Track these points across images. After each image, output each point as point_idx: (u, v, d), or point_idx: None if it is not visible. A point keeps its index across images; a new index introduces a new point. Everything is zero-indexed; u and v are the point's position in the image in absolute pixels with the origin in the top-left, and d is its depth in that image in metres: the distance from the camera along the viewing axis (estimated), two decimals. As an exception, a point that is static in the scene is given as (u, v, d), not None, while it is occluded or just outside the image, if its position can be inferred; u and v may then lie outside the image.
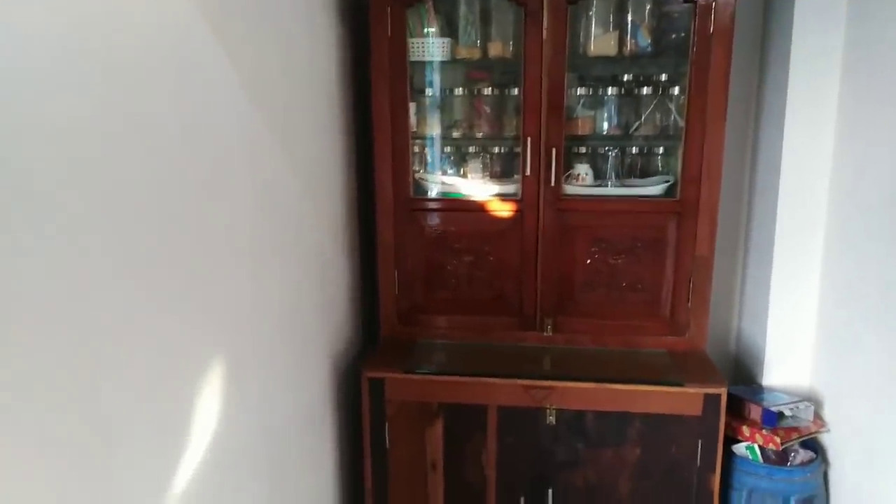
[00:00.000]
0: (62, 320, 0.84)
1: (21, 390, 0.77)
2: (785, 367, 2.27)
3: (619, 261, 2.15)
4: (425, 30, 2.13)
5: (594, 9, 2.12)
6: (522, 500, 2.01)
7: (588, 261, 2.15)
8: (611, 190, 2.19)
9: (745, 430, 2.08)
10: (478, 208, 2.16)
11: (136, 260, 1.01)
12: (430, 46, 2.13)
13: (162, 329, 1.08)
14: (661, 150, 2.27)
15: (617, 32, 2.12)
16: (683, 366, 2.03)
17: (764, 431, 2.04)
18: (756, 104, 2.39)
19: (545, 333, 2.16)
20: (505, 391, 1.96)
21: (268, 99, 1.50)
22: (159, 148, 1.07)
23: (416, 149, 2.21)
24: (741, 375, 2.45)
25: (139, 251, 1.01)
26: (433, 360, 2.08)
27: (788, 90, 2.12)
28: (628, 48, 2.13)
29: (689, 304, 2.13)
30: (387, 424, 2.00)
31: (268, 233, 1.52)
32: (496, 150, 2.27)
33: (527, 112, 2.06)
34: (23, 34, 0.77)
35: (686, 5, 2.02)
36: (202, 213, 1.21)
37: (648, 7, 2.11)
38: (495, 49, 2.13)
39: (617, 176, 2.26)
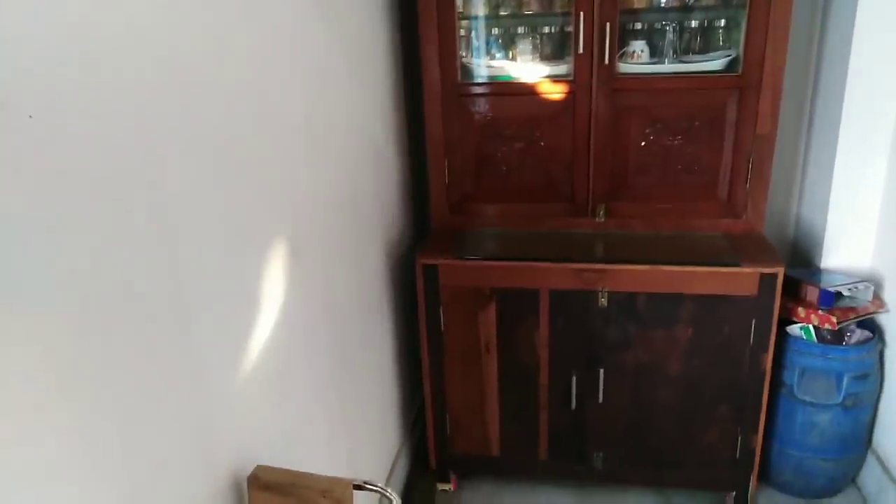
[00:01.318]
0: (137, 191, 0.87)
1: (103, 261, 0.81)
2: (845, 250, 2.22)
3: (676, 142, 2.08)
4: None
5: None
6: (574, 378, 2.08)
7: (643, 143, 2.09)
8: (668, 67, 2.09)
9: (801, 310, 2.06)
10: (528, 92, 2.09)
11: (201, 133, 1.02)
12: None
13: (230, 205, 1.11)
14: (722, 22, 2.13)
15: None
16: (740, 247, 2.00)
17: (820, 312, 2.02)
18: (830, -33, 2.19)
19: (598, 220, 2.14)
20: (556, 275, 1.98)
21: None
22: (214, 25, 1.05)
23: (463, 31, 2.13)
24: (799, 259, 2.41)
25: (203, 125, 1.03)
26: (485, 247, 2.10)
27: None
28: None
29: (748, 184, 2.06)
30: (441, 309, 2.05)
31: (320, 115, 1.52)
32: (546, 29, 2.17)
33: (579, -16, 1.94)
34: None
35: None
36: (257, 90, 1.21)
37: None
38: (545, -84, 1.99)
39: (675, 52, 2.14)
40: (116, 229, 0.83)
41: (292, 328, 1.37)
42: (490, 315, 2.05)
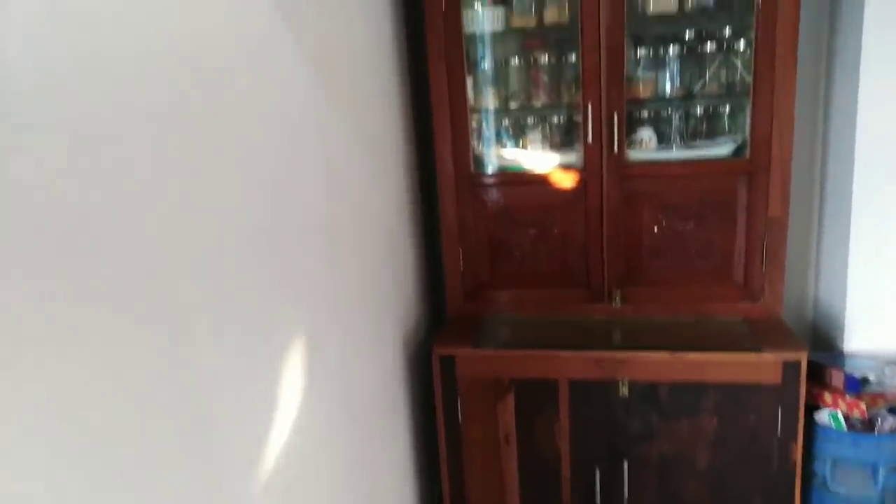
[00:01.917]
0: (162, 295, 0.87)
1: (127, 366, 0.80)
2: (867, 332, 2.17)
3: (688, 226, 2.09)
4: (479, 1, 2.08)
5: (652, -35, 2.03)
6: (597, 472, 2.00)
7: (655, 228, 2.09)
8: (676, 154, 2.12)
9: (827, 396, 2.00)
10: (539, 180, 2.12)
11: (223, 239, 1.03)
12: (485, 17, 2.09)
13: (249, 305, 1.11)
14: (727, 109, 2.18)
15: (677, -13, 2.03)
16: (760, 332, 1.97)
17: (847, 398, 1.96)
18: (827, 52, 2.25)
19: (614, 305, 2.12)
20: (575, 364, 1.94)
21: (331, 77, 1.50)
22: (238, 129, 1.08)
23: (474, 123, 2.18)
24: (820, 342, 2.36)
25: (226, 230, 1.04)
26: (502, 335, 2.07)
27: (863, 35, 1.98)
28: (689, 3, 2.03)
29: (764, 268, 2.05)
30: (459, 400, 2.00)
31: (338, 208, 1.53)
32: (555, 119, 2.22)
33: (586, 77, 2.00)
34: (114, 22, 0.78)
35: (750, -47, 1.92)
36: (279, 190, 1.23)
37: (709, -42, 2.01)
38: (551, 15, 2.07)
39: (682, 139, 2.18)
40: (137, 339, 0.82)
41: (308, 429, 1.33)
42: (509, 406, 2.00)
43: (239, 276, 1.08)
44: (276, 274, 1.22)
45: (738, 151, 2.07)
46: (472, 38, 2.11)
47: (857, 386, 1.97)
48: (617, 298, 2.12)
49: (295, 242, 1.30)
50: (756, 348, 1.87)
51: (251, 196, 1.12)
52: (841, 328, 2.20)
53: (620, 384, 1.92)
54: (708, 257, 2.10)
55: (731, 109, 2.17)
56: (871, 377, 2.00)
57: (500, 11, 2.09)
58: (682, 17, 2.07)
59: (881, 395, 1.98)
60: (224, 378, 1.03)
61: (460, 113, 2.07)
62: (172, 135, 0.90)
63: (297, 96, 1.32)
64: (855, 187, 2.09)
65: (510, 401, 1.99)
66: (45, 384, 0.67)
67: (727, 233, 2.08)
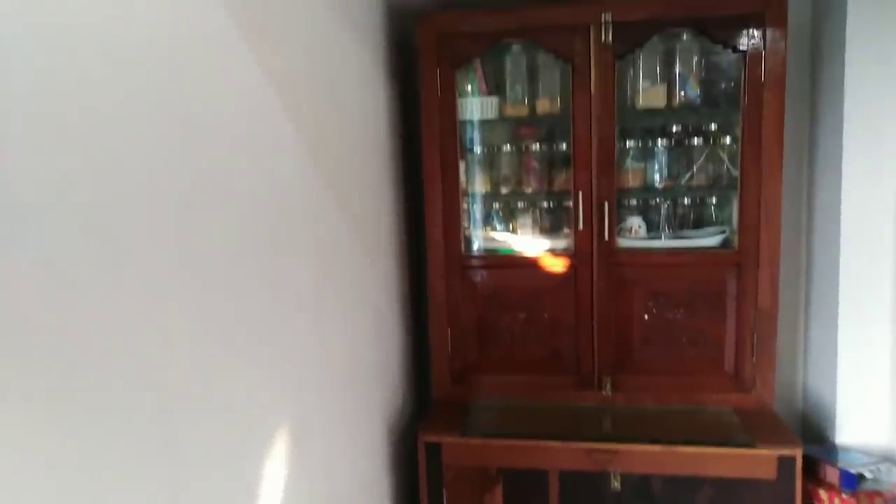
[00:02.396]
0: (149, 381, 0.84)
1: (108, 455, 0.76)
2: (859, 425, 2.14)
3: (678, 315, 2.08)
4: (473, 90, 2.15)
5: (641, 62, 2.11)
6: (588, 571, 1.91)
7: (645, 316, 2.09)
8: (666, 242, 2.14)
9: (823, 493, 1.95)
10: (529, 264, 2.13)
11: (214, 324, 1.00)
12: (479, 106, 2.15)
13: (235, 392, 1.07)
14: (713, 200, 2.22)
15: (665, 85, 2.11)
16: (752, 425, 1.93)
17: (844, 496, 1.91)
18: (809, 149, 2.32)
19: (604, 392, 2.09)
20: (566, 455, 1.88)
21: (326, 161, 1.52)
22: (236, 210, 1.08)
23: (465, 206, 2.20)
24: (811, 434, 2.32)
25: (217, 315, 1.01)
26: (490, 422, 2.02)
27: (844, 135, 2.05)
28: (677, 100, 2.11)
29: (754, 359, 2.04)
30: (444, 490, 1.92)
31: (329, 291, 1.52)
32: (545, 204, 2.25)
33: (577, 166, 2.04)
34: (112, 103, 0.78)
35: (735, 55, 2.01)
36: (270, 274, 1.21)
37: (696, 58, 2.10)
38: (543, 106, 2.14)
39: (670, 228, 2.21)
40: (122, 429, 0.78)
41: (289, 524, 1.27)
42: (496, 498, 1.92)
43: (225, 361, 1.05)
44: (262, 359, 1.18)
45: (726, 242, 2.10)
46: (466, 125, 2.17)
47: (853, 483, 1.92)
48: (607, 386, 2.09)
49: (286, 324, 1.28)
50: (750, 443, 1.83)
51: (239, 277, 1.11)
52: (832, 419, 2.17)
53: (612, 477, 1.86)
54: (698, 346, 2.09)
55: (719, 201, 2.21)
56: (867, 473, 1.95)
57: (493, 101, 2.15)
58: (670, 113, 2.14)
59: (878, 494, 1.93)
60: (205, 469, 0.98)
61: (452, 196, 2.10)
62: (166, 214, 0.90)
63: (292, 178, 1.33)
64: (841, 281, 2.11)
65: (498, 492, 1.92)
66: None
67: (717, 322, 2.08)
